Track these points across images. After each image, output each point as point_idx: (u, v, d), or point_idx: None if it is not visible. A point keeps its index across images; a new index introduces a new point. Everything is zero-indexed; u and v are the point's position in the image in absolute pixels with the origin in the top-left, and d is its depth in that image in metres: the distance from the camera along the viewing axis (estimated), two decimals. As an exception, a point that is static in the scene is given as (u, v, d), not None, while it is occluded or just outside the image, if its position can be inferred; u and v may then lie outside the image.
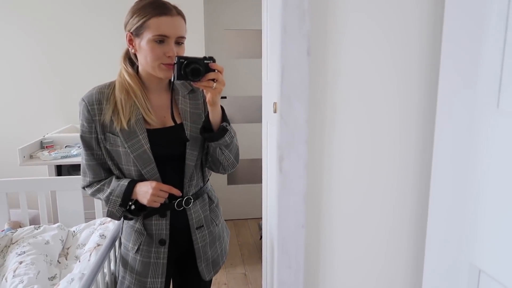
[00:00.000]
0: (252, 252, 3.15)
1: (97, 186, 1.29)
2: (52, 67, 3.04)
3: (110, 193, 1.24)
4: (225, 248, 1.50)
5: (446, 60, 0.66)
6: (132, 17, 1.19)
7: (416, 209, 0.75)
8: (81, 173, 1.32)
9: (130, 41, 1.22)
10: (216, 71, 1.15)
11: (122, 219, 1.35)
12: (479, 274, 0.64)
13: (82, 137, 1.26)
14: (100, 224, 2.05)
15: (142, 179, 1.25)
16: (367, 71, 0.69)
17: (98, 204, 2.21)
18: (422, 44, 0.70)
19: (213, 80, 1.14)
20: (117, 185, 1.24)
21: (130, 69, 1.25)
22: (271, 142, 1.81)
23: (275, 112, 1.63)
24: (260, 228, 3.12)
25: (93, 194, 1.31)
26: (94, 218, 2.19)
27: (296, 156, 0.68)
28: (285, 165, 0.68)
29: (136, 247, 1.32)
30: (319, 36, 0.65)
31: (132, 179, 1.26)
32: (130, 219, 1.33)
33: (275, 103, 1.60)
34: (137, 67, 1.27)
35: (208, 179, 1.43)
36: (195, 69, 1.12)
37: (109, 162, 1.27)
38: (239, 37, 3.57)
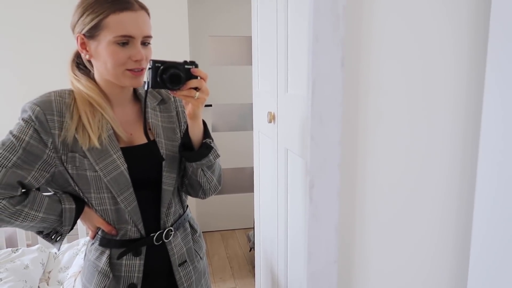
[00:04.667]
0: (242, 264, 3.04)
1: (10, 210, 0.91)
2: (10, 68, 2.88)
3: (51, 225, 0.99)
4: (210, 286, 1.25)
5: (492, 69, 0.59)
6: (82, 15, 0.96)
7: (460, 237, 0.67)
8: None
9: (83, 45, 0.98)
10: (199, 78, 0.95)
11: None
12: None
13: (23, 140, 0.92)
14: (84, 245, 1.92)
15: (117, 210, 1.01)
16: (407, 84, 0.61)
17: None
18: (468, 52, 0.62)
19: (195, 88, 0.95)
20: (60, 217, 0.98)
21: (83, 79, 1.01)
22: (263, 151, 1.72)
23: (270, 122, 1.55)
24: (249, 239, 3.02)
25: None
26: (78, 238, 2.06)
27: (328, 183, 0.59)
28: (316, 193, 0.59)
29: None
30: (353, 45, 0.57)
31: (79, 207, 1.01)
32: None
33: (270, 113, 1.52)
34: (93, 74, 1.04)
35: (187, 205, 1.20)
36: (174, 75, 0.92)
37: (72, 188, 1.01)
38: (224, 44, 3.48)
